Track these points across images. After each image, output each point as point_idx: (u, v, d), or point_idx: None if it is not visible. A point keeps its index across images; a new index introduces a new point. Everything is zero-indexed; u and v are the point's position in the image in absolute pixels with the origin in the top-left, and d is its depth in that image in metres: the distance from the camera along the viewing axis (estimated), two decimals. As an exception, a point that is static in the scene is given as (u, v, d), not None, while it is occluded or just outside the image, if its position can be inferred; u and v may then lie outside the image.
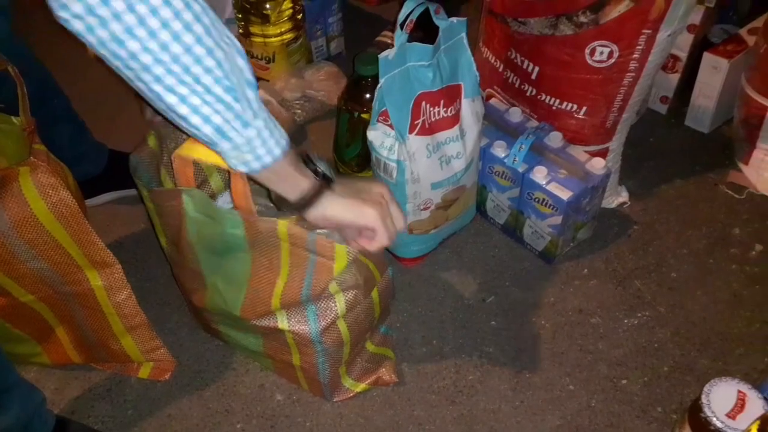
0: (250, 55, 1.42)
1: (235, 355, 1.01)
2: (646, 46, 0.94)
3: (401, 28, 0.87)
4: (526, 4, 0.97)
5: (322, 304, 0.81)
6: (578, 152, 1.05)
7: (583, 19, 0.93)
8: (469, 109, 0.99)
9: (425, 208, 1.03)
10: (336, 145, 1.14)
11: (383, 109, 0.93)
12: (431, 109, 0.96)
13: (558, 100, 1.04)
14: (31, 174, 0.76)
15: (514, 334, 1.02)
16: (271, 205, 0.80)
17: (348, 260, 0.77)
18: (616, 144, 1.10)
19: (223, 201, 0.99)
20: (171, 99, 0.59)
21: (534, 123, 1.09)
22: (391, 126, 0.94)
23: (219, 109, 0.61)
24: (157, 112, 0.62)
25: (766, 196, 1.20)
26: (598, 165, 1.01)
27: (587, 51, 0.96)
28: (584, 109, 1.03)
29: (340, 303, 0.82)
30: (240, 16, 1.37)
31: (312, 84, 1.41)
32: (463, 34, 0.95)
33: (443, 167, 1.00)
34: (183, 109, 0.60)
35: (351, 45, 1.59)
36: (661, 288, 1.07)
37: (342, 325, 0.84)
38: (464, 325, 1.04)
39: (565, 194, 0.99)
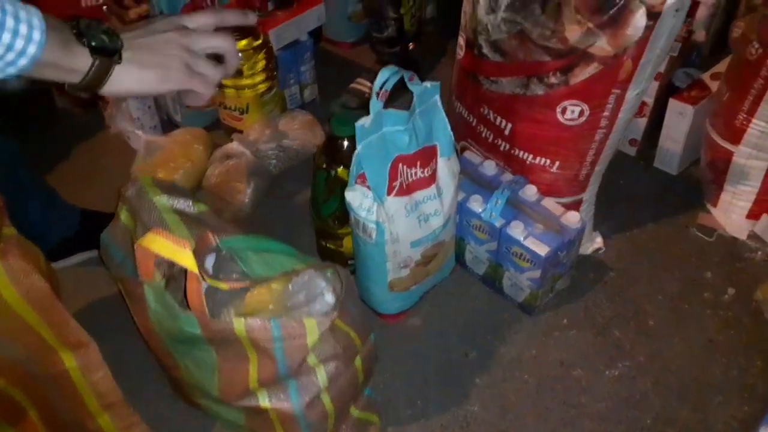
0: (222, 106, 1.41)
1: (216, 427, 0.99)
2: (616, 105, 0.96)
3: (377, 97, 0.88)
4: (497, 65, 0.99)
5: (304, 379, 0.80)
6: (553, 205, 1.06)
7: (553, 80, 0.94)
8: (446, 167, 1.00)
9: (405, 266, 1.03)
10: (313, 202, 1.13)
11: (361, 172, 0.93)
12: (408, 170, 0.96)
13: (531, 155, 1.05)
14: (1, 260, 0.74)
15: (498, 391, 1.02)
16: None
17: (320, 332, 0.76)
18: (589, 194, 1.12)
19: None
20: None
21: (508, 176, 1.10)
22: (369, 188, 0.95)
23: None
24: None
25: (735, 238, 1.23)
26: (573, 219, 1.03)
27: (558, 110, 0.97)
28: (557, 163, 1.05)
29: (321, 376, 0.81)
30: (211, 68, 1.36)
31: (286, 133, 1.40)
32: (437, 97, 0.96)
33: (422, 225, 1.00)
34: None
35: (325, 91, 1.59)
36: (639, 336, 1.09)
37: (326, 398, 0.83)
38: (448, 383, 1.04)
39: (542, 249, 0.99)
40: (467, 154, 1.15)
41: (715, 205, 1.26)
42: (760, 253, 1.20)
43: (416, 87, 0.92)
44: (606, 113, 0.96)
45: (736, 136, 1.17)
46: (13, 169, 1.01)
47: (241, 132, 1.41)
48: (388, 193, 0.94)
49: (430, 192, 0.99)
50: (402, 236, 0.98)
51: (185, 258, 0.69)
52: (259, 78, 1.36)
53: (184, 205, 0.92)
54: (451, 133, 0.99)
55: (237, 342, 0.76)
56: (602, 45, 0.88)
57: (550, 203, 1.06)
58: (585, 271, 1.18)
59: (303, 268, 0.84)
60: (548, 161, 1.05)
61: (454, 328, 1.11)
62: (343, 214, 1.09)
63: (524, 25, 0.91)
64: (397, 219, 0.96)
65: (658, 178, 1.35)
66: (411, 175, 0.97)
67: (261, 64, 1.35)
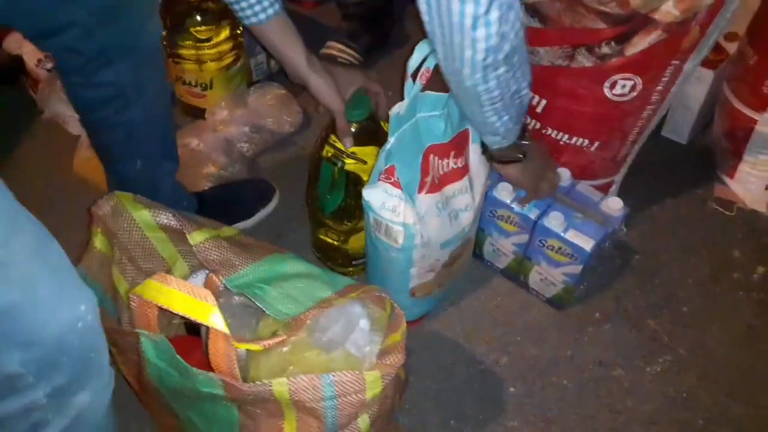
0: (181, 82, 1.19)
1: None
2: (672, 77, 0.84)
3: (413, 79, 0.72)
4: (535, 32, 0.84)
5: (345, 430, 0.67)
6: (589, 190, 0.95)
7: (606, 50, 0.81)
8: (477, 154, 0.86)
9: (431, 270, 0.89)
10: (312, 196, 0.97)
11: (389, 166, 0.77)
12: (440, 162, 0.81)
13: (567, 135, 0.93)
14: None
15: (538, 401, 0.92)
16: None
17: (384, 384, 0.61)
18: (621, 175, 1.02)
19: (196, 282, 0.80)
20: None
21: None
22: (394, 184, 0.79)
23: None
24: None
25: (756, 211, 1.16)
26: (614, 205, 0.92)
27: (607, 84, 0.84)
28: (597, 144, 0.93)
29: (363, 422, 0.67)
30: (165, 35, 1.13)
31: (259, 111, 1.21)
32: None
33: (452, 223, 0.86)
34: None
35: (293, 59, 1.39)
36: (675, 326, 1.01)
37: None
38: (482, 397, 0.92)
39: (587, 243, 0.88)
40: None
41: (731, 176, 1.19)
42: (781, 226, 1.15)
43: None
44: (660, 87, 0.85)
45: (761, 103, 1.08)
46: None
47: (202, 110, 1.20)
48: (419, 191, 0.80)
49: (462, 185, 0.85)
50: (433, 238, 0.84)
51: (207, 314, 0.52)
52: (225, 47, 1.15)
53: (170, 217, 0.74)
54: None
55: (271, 402, 0.60)
56: (669, 9, 0.75)
57: (585, 188, 0.94)
58: (610, 254, 1.08)
59: (333, 296, 0.68)
60: (587, 141, 0.92)
61: (480, 332, 0.99)
62: (350, 208, 0.94)
63: (574, -15, 0.77)
64: (429, 219, 0.82)
65: (668, 148, 1.27)
66: (443, 167, 0.82)
67: (226, 32, 1.14)
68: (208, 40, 1.11)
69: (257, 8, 0.77)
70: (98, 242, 0.68)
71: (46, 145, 1.22)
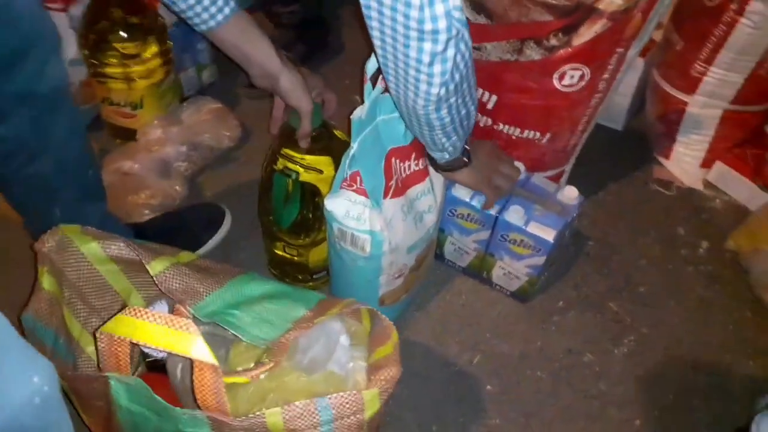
0: (108, 102, 1.12)
1: None
2: (617, 65, 0.86)
3: (372, 82, 0.70)
4: (483, 29, 0.84)
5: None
6: (543, 182, 0.95)
7: (554, 42, 0.82)
8: (434, 154, 0.85)
9: (399, 276, 0.87)
10: (266, 211, 0.92)
11: (353, 172, 0.75)
12: (401, 164, 0.79)
13: (518, 129, 0.93)
14: None
15: (515, 396, 0.92)
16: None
17: (382, 401, 0.59)
18: (570, 164, 1.03)
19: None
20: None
21: None
22: (357, 191, 0.77)
23: None
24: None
25: (693, 189, 1.21)
26: (571, 194, 0.93)
27: (556, 76, 0.85)
28: (547, 135, 0.93)
29: None
30: (88, 54, 1.06)
31: (195, 128, 1.15)
32: None
33: (417, 226, 0.85)
34: None
35: (225, 72, 1.34)
36: (635, 306, 1.03)
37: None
38: (460, 398, 0.91)
39: (548, 234, 0.89)
40: None
41: (668, 157, 1.24)
42: (718, 201, 1.20)
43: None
44: (606, 75, 0.86)
45: (690, 86, 1.13)
46: None
47: (132, 132, 1.13)
48: (385, 196, 0.77)
49: (425, 186, 0.84)
50: (400, 243, 0.82)
51: (190, 345, 0.48)
52: (155, 63, 1.09)
53: (123, 247, 0.68)
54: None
55: (262, 432, 0.56)
56: (612, -2, 0.77)
57: (540, 180, 0.95)
58: (565, 243, 1.10)
59: (310, 314, 0.65)
60: (538, 134, 0.93)
61: (449, 333, 0.98)
62: (308, 221, 0.90)
63: (519, -21, 0.77)
64: (396, 224, 0.80)
65: (605, 135, 1.30)
66: (405, 169, 0.80)
67: (154, 47, 1.08)
68: (136, 56, 1.04)
69: (213, 9, 0.70)
70: (46, 282, 0.62)
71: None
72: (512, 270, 0.96)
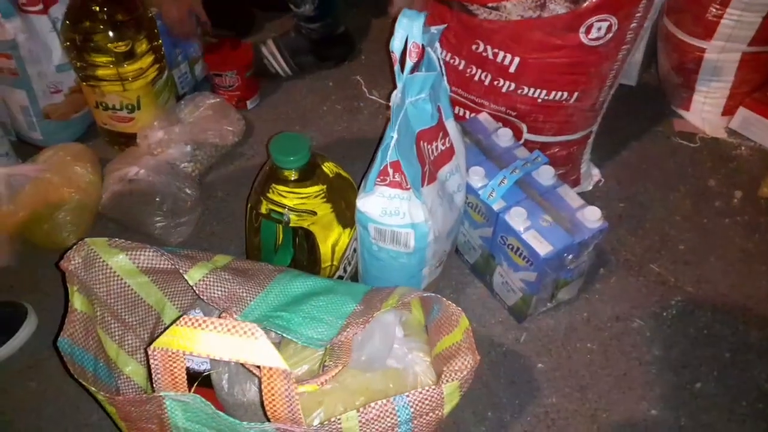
0: (102, 107, 1.05)
1: None
2: (644, 12, 0.81)
3: (401, 62, 0.64)
4: (501, -14, 0.79)
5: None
6: (570, 195, 0.86)
7: (579, -8, 0.77)
8: (455, 130, 0.80)
9: (440, 264, 0.82)
10: (254, 254, 0.85)
11: (391, 162, 0.69)
12: (429, 147, 0.74)
13: (545, 91, 0.88)
14: None
15: (567, 371, 0.88)
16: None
17: (461, 393, 0.54)
18: (597, 125, 0.98)
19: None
20: None
21: (523, 151, 0.89)
22: (391, 184, 0.71)
23: None
24: None
25: (717, 138, 1.17)
26: (592, 216, 0.82)
27: (582, 29, 0.80)
28: (575, 95, 0.89)
29: None
30: (75, 56, 0.99)
31: (197, 126, 1.09)
32: (438, 44, 0.74)
33: (451, 209, 0.80)
34: None
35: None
36: (677, 265, 0.99)
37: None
38: (512, 380, 0.87)
39: (543, 248, 0.79)
40: (482, 116, 0.93)
41: (687, 108, 1.20)
42: (744, 148, 1.16)
43: (423, 36, 0.69)
44: (634, 24, 0.81)
45: (707, 31, 1.09)
46: None
47: (131, 136, 1.07)
48: (422, 183, 0.72)
49: (453, 165, 0.79)
50: (441, 230, 0.77)
51: (259, 352, 0.43)
52: (147, 61, 1.02)
53: (152, 257, 0.63)
54: (448, 86, 0.79)
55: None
56: (640, -62, 0.72)
57: (566, 192, 0.86)
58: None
59: (359, 307, 0.60)
60: (566, 94, 0.88)
61: (490, 313, 0.94)
62: (303, 264, 0.83)
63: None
64: (435, 211, 0.74)
65: (620, 93, 1.24)
66: (433, 151, 0.75)
67: (145, 43, 1.01)
68: (129, 55, 0.98)
69: None
70: (77, 302, 0.56)
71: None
72: (509, 280, 0.89)
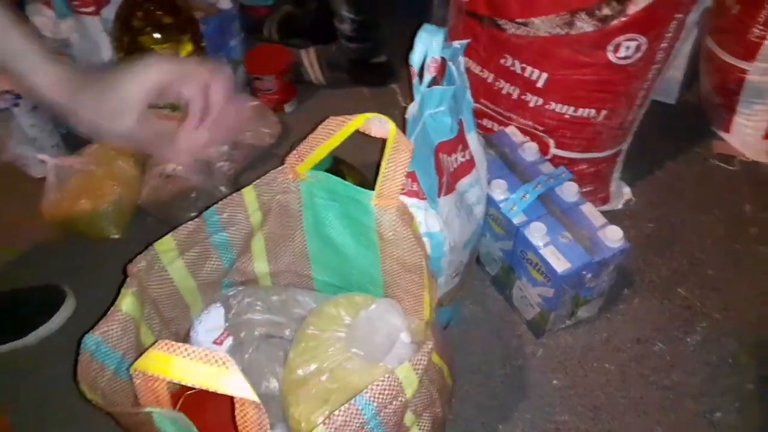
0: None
1: None
2: (676, 33, 0.80)
3: (420, 75, 0.66)
4: (530, 2, 0.79)
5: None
6: (593, 213, 0.86)
7: (607, 11, 0.77)
8: (477, 143, 0.80)
9: (456, 274, 0.83)
10: None
11: (409, 172, 0.70)
12: (449, 158, 0.75)
13: (572, 108, 0.88)
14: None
15: (582, 389, 0.87)
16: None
17: (419, 377, 0.55)
18: (627, 143, 0.97)
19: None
20: None
21: (548, 167, 0.90)
22: (409, 194, 0.72)
23: None
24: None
25: (757, 162, 1.14)
26: (613, 236, 0.82)
27: (610, 48, 0.80)
28: (603, 113, 0.88)
29: (409, 420, 0.61)
30: (124, 57, 1.05)
31: (234, 128, 1.13)
32: (461, 59, 0.75)
33: (469, 219, 0.80)
34: None
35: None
36: (704, 290, 0.97)
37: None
38: (525, 395, 0.87)
39: (560, 265, 0.79)
40: (510, 130, 0.94)
41: (727, 130, 1.17)
42: (785, 173, 1.13)
43: (445, 50, 0.71)
44: (664, 44, 0.81)
45: (749, 52, 1.06)
46: None
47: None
48: (439, 194, 0.73)
49: (473, 177, 0.79)
50: (457, 240, 0.77)
51: (229, 382, 0.45)
52: (190, 63, 1.07)
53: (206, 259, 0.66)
54: (471, 100, 0.79)
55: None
56: (672, -41, 0.71)
57: (590, 210, 0.86)
58: (625, 228, 1.02)
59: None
60: (593, 112, 0.88)
61: (508, 326, 0.94)
62: None
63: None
64: (451, 221, 0.75)
65: (657, 110, 1.21)
66: (452, 163, 0.76)
67: (189, 46, 1.06)
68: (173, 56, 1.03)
69: None
70: (126, 305, 0.60)
71: (9, 193, 1.12)
72: (527, 295, 0.89)
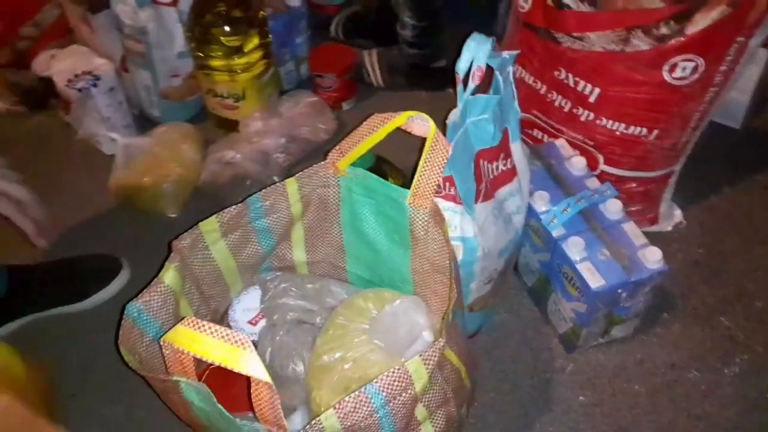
0: (212, 94, 1.17)
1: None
2: (736, 56, 0.79)
3: (464, 83, 0.67)
4: (584, 16, 0.79)
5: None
6: (635, 232, 0.84)
7: (664, 31, 0.76)
8: (520, 152, 0.81)
9: (489, 281, 0.84)
10: None
11: (446, 176, 0.72)
12: (489, 166, 0.76)
13: (623, 125, 0.87)
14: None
15: (608, 409, 0.86)
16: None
17: (429, 371, 0.56)
18: (680, 165, 0.96)
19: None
20: None
21: (594, 182, 0.89)
22: (446, 197, 0.74)
23: None
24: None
25: (823, 196, 1.10)
26: (652, 257, 0.81)
27: (666, 67, 0.79)
28: (655, 132, 0.87)
29: (421, 414, 0.62)
30: (195, 47, 1.11)
31: (293, 120, 1.17)
32: (510, 69, 0.76)
33: (507, 229, 0.81)
34: None
35: (322, 65, 1.36)
36: (750, 322, 0.94)
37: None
38: (550, 408, 0.87)
39: (595, 281, 0.79)
40: (559, 142, 0.94)
41: (793, 160, 1.13)
42: None
43: (495, 59, 0.72)
44: (723, 67, 0.79)
45: (823, 81, 1.02)
46: None
47: (235, 123, 1.17)
48: (476, 200, 0.75)
49: (513, 186, 0.80)
50: (492, 248, 0.78)
51: (245, 362, 0.48)
52: (256, 56, 1.12)
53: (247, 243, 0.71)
54: (519, 109, 0.80)
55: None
56: (734, -19, 0.70)
57: (632, 228, 0.85)
58: (672, 251, 1.02)
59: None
60: (644, 130, 0.87)
61: (540, 338, 0.94)
62: None
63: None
64: (487, 228, 0.77)
65: (720, 134, 1.19)
66: (492, 171, 0.77)
67: (255, 40, 1.11)
68: (238, 49, 1.08)
69: None
70: (168, 278, 0.65)
71: (82, 167, 1.20)
72: (561, 308, 0.88)
